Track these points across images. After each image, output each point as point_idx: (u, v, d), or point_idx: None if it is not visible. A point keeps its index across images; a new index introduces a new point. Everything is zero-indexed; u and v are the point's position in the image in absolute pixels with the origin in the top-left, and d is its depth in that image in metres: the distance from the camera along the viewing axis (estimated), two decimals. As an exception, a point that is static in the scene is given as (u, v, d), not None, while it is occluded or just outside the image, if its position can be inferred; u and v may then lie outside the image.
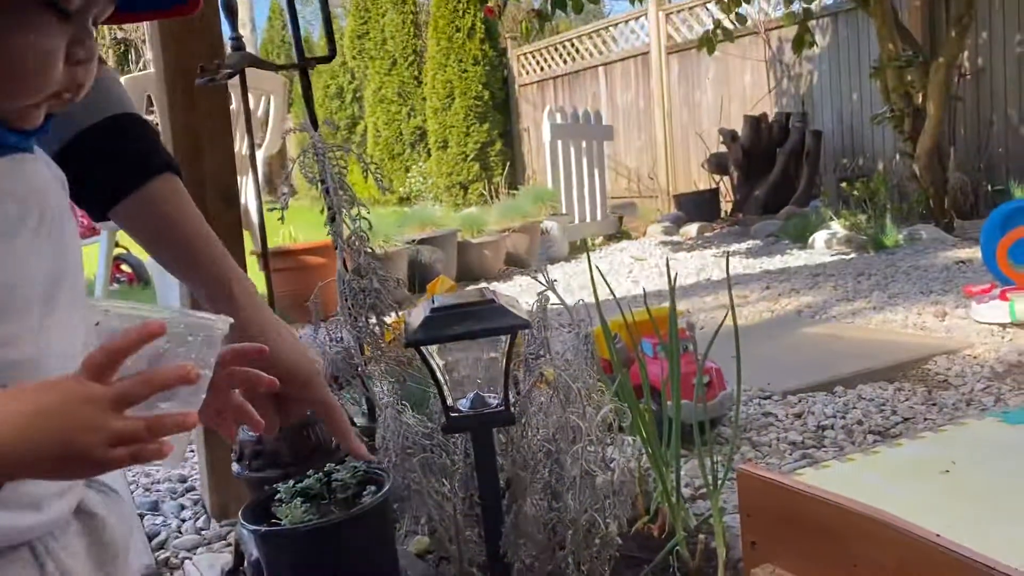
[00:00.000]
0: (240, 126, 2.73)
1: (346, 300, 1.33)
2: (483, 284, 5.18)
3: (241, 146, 3.17)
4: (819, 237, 5.27)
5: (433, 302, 1.23)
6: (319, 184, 1.31)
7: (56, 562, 0.62)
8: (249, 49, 1.46)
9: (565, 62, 9.78)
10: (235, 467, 1.40)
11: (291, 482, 1.24)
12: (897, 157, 5.91)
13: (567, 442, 1.31)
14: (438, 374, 1.24)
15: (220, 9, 1.35)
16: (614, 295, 1.72)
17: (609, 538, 1.31)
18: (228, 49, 1.38)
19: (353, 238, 1.30)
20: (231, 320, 0.65)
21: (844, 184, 5.80)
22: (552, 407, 1.34)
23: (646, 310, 1.80)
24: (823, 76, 7.11)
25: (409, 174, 11.18)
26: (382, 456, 1.36)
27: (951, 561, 1.07)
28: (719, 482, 1.54)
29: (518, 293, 4.71)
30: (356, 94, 12.71)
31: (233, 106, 2.16)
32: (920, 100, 5.45)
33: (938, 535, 1.11)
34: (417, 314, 1.24)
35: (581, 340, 1.31)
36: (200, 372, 0.59)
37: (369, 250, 1.32)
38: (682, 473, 1.93)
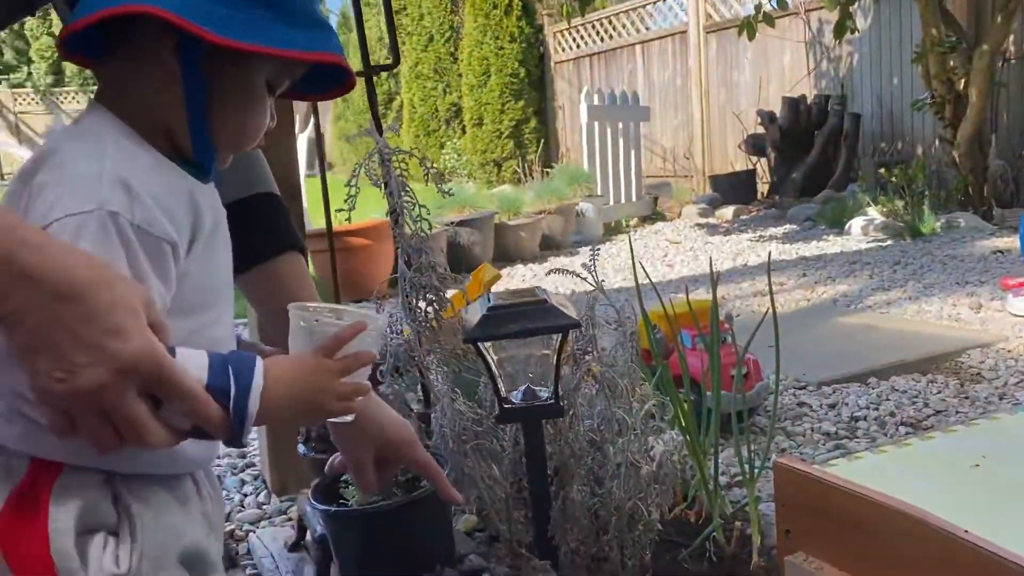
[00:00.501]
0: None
1: (407, 296, 1.41)
2: (519, 266, 5.26)
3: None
4: (856, 223, 5.27)
5: (489, 301, 1.31)
6: (383, 186, 1.38)
7: (206, 490, 0.84)
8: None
9: (602, 39, 9.75)
10: (301, 448, 1.49)
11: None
12: (937, 143, 5.86)
13: (612, 433, 1.38)
14: (493, 368, 1.32)
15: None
16: (654, 287, 1.78)
17: (651, 524, 1.39)
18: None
19: (414, 238, 1.38)
20: (383, 319, 0.88)
21: (882, 170, 5.77)
22: (598, 400, 1.42)
23: (686, 302, 1.85)
24: (863, 59, 7.04)
25: (444, 151, 11.25)
26: (438, 441, 1.45)
27: (979, 557, 1.14)
28: (755, 472, 1.61)
29: (553, 276, 4.78)
30: (393, 71, 12.78)
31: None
32: (962, 86, 5.39)
33: (966, 531, 1.17)
34: (474, 311, 1.32)
35: (627, 338, 1.38)
36: (376, 356, 0.83)
37: (430, 249, 1.40)
38: (720, 461, 2.00)
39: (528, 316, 1.26)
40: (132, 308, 0.63)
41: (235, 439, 0.70)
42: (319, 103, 1.19)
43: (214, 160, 0.81)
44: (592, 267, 1.42)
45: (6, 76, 20.16)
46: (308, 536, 1.50)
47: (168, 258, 0.73)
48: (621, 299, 1.52)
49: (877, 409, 2.28)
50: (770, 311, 1.62)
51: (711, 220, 6.67)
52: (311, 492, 1.31)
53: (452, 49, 11.44)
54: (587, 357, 1.39)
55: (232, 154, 0.85)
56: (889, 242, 4.91)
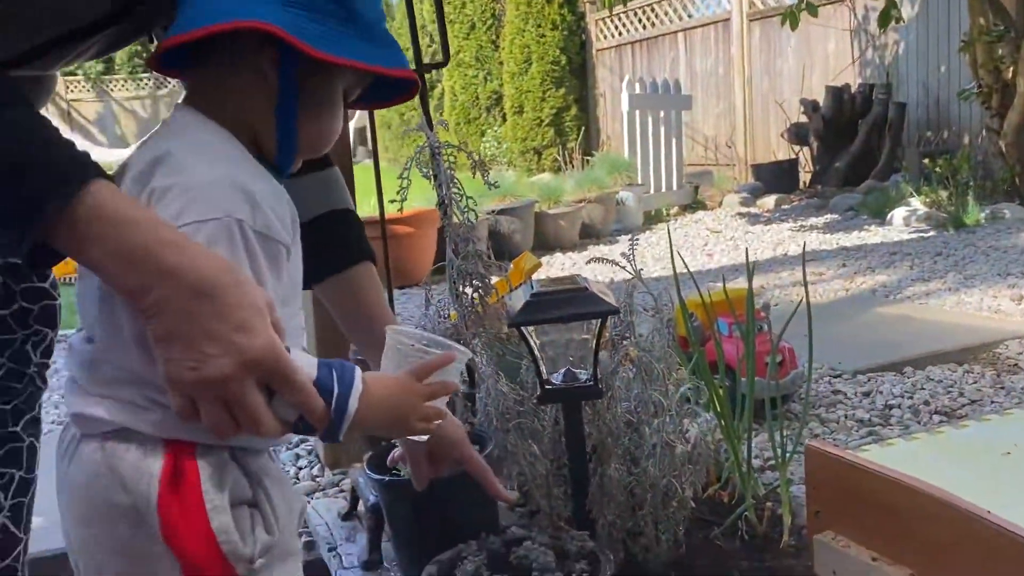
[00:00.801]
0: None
1: (454, 282, 1.49)
2: (559, 254, 5.33)
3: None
4: (898, 213, 5.24)
5: (532, 287, 1.38)
6: (432, 178, 1.47)
7: (279, 464, 0.91)
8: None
9: (644, 27, 9.73)
10: (354, 425, 1.59)
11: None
12: (983, 132, 5.79)
13: (648, 415, 1.46)
14: (535, 351, 1.40)
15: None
16: (692, 276, 1.84)
17: (684, 501, 1.46)
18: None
19: (461, 227, 1.46)
20: (470, 354, 0.96)
21: (926, 160, 5.72)
22: (635, 383, 1.49)
23: (723, 292, 1.91)
24: (910, 47, 6.96)
25: (484, 139, 11.32)
26: (482, 420, 1.53)
27: (1000, 536, 1.19)
28: (787, 455, 1.67)
29: (592, 264, 4.84)
30: (434, 57, 12.86)
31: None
32: (1010, 75, 5.32)
33: (988, 512, 1.22)
34: (518, 298, 1.39)
35: (664, 324, 1.45)
36: (459, 387, 0.91)
37: (476, 239, 1.48)
38: (753, 445, 2.06)
39: (569, 302, 1.33)
40: (259, 308, 0.71)
41: (333, 434, 0.77)
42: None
43: (292, 163, 0.89)
44: (631, 256, 1.49)
45: (59, 64, 20.62)
46: (360, 506, 1.60)
47: (283, 259, 0.81)
48: (659, 288, 1.59)
49: (911, 398, 2.31)
50: (794, 303, 1.68)
51: (752, 209, 6.66)
52: (366, 463, 1.41)
53: (493, 37, 11.48)
54: (625, 342, 1.46)
55: (306, 157, 0.91)
56: (932, 233, 4.89)
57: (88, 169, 0.69)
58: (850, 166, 6.82)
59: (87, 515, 0.78)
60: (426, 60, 1.61)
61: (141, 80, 20.31)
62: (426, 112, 1.57)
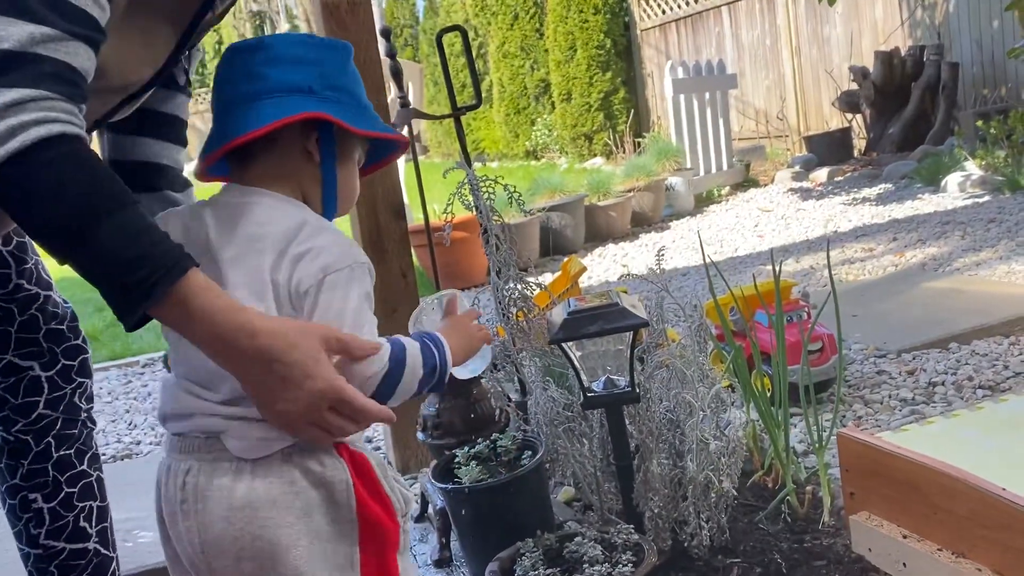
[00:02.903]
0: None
1: (499, 302, 1.64)
2: (610, 244, 5.43)
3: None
4: (952, 179, 5.18)
5: (569, 305, 1.52)
6: (475, 209, 1.62)
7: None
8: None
9: (687, 3, 9.68)
10: (420, 435, 1.76)
11: (466, 448, 1.58)
12: (1040, 88, 5.66)
13: (685, 414, 1.59)
14: (575, 363, 1.54)
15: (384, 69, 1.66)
16: (720, 273, 1.94)
17: (724, 492, 1.58)
18: (396, 105, 1.71)
19: (503, 253, 1.61)
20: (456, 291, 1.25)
21: (979, 122, 5.63)
22: (673, 383, 1.62)
23: (754, 284, 2.00)
24: (960, 4, 6.81)
25: (535, 127, 11.41)
26: (534, 426, 1.69)
27: (1014, 511, 1.28)
28: (825, 440, 1.77)
29: (643, 252, 4.93)
30: (480, 51, 12.99)
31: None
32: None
33: (1004, 488, 1.32)
34: (557, 315, 1.54)
35: (693, 331, 1.57)
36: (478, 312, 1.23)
37: (515, 259, 1.63)
38: (798, 430, 2.15)
39: (603, 318, 1.47)
40: (315, 357, 0.91)
41: (441, 385, 1.06)
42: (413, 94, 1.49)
43: (333, 218, 1.11)
44: (658, 267, 1.62)
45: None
46: (430, 509, 1.77)
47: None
48: (711, 274, 1.68)
49: (955, 374, 2.37)
50: (844, 283, 1.77)
51: (804, 184, 6.63)
52: (430, 472, 1.57)
53: (537, 25, 11.54)
54: (658, 350, 1.59)
55: (342, 214, 1.13)
56: (987, 198, 4.84)
57: (186, 259, 0.89)
58: (905, 130, 6.73)
59: (278, 519, 0.96)
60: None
61: (199, 95, 20.91)
62: (464, 150, 1.72)
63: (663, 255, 1.63)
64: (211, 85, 1.07)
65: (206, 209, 1.03)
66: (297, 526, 0.96)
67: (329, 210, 1.07)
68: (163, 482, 1.02)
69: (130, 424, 3.05)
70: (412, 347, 1.01)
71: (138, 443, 2.83)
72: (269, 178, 1.04)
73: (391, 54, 1.77)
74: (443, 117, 1.79)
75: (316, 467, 0.97)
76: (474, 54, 13.13)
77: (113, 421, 3.10)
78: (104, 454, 2.77)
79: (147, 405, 3.22)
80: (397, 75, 1.68)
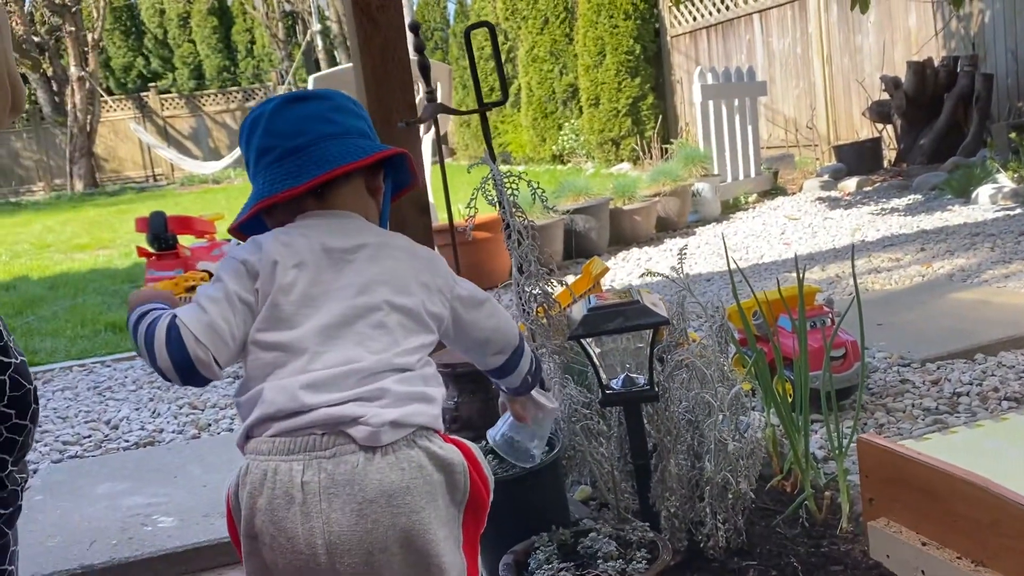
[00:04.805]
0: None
1: (521, 300, 1.65)
2: (634, 249, 5.42)
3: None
4: (983, 191, 5.12)
5: (590, 302, 1.53)
6: (498, 205, 1.62)
7: None
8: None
9: (718, 10, 9.65)
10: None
11: (483, 442, 1.59)
12: (1076, 101, 5.58)
13: (704, 414, 1.58)
14: (595, 359, 1.54)
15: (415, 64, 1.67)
16: (745, 277, 1.94)
17: (741, 494, 1.57)
18: (424, 100, 1.72)
19: (525, 249, 1.61)
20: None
21: (1013, 135, 5.55)
22: (692, 385, 1.61)
23: (779, 290, 2.00)
24: (996, 15, 6.73)
25: (562, 132, 11.42)
26: (553, 422, 1.68)
27: (1031, 519, 1.27)
28: (845, 447, 1.76)
29: (667, 256, 4.91)
30: (510, 54, 13.03)
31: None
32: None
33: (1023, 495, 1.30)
34: (578, 311, 1.54)
35: (714, 332, 1.57)
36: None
37: (538, 256, 1.63)
38: (819, 436, 2.14)
39: (623, 315, 1.47)
40: None
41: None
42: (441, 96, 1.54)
43: None
44: (680, 265, 1.61)
45: (155, 83, 21.66)
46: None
47: None
48: (735, 279, 1.67)
49: (980, 385, 2.34)
50: (870, 292, 1.76)
51: (832, 193, 6.58)
52: (447, 465, 1.58)
53: (567, 30, 11.55)
54: (678, 349, 1.59)
55: None
56: (1018, 211, 4.77)
57: None
58: (936, 142, 6.66)
59: (412, 504, 0.99)
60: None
61: (230, 93, 21.19)
62: (489, 146, 1.73)
63: (685, 253, 1.63)
64: (250, 113, 1.17)
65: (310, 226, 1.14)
66: (427, 510, 0.99)
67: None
68: (261, 487, 0.98)
69: (154, 412, 3.09)
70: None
71: (161, 431, 2.87)
72: (359, 205, 1.17)
73: (419, 48, 1.78)
74: (469, 112, 1.80)
75: (439, 451, 1.01)
76: (503, 58, 13.21)
77: (137, 409, 3.15)
78: (127, 441, 2.81)
79: (170, 394, 3.26)
80: (424, 70, 1.69)
